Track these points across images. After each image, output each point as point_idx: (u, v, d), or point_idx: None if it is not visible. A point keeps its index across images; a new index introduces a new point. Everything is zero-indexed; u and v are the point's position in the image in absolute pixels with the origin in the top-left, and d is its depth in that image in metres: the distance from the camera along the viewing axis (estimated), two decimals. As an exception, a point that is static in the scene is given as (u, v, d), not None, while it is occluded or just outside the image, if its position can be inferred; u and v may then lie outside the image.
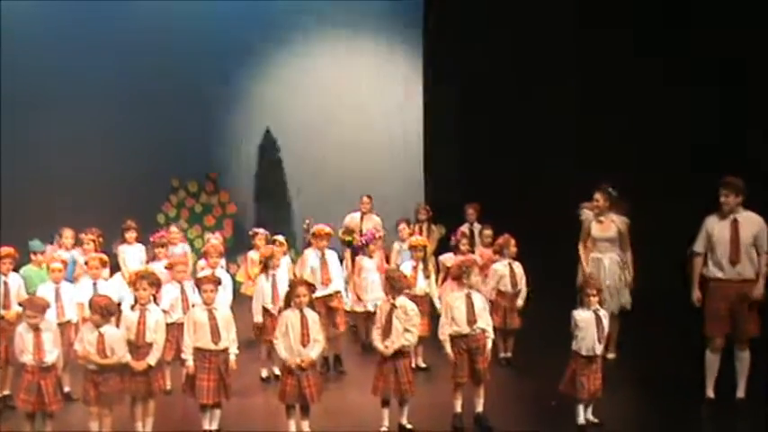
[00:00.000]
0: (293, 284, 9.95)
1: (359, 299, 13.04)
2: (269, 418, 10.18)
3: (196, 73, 18.59)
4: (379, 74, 19.29)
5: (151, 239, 13.47)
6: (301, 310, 9.68)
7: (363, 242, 13.49)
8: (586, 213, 12.33)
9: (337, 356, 12.52)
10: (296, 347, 9.58)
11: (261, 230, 14.00)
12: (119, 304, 10.24)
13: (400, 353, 9.77)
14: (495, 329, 10.41)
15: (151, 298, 9.85)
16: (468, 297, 10.03)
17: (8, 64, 17.86)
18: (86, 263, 11.96)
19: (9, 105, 17.91)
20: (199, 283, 10.10)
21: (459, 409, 10.09)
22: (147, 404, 9.79)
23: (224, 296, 11.29)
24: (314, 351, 9.64)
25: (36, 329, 9.25)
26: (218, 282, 10.02)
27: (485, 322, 10.04)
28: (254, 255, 13.62)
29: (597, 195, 12.22)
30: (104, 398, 9.30)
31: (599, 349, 9.72)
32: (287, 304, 9.85)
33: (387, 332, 9.75)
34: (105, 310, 9.35)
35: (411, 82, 19.42)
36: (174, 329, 10.67)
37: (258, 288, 11.96)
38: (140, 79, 18.44)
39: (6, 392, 11.06)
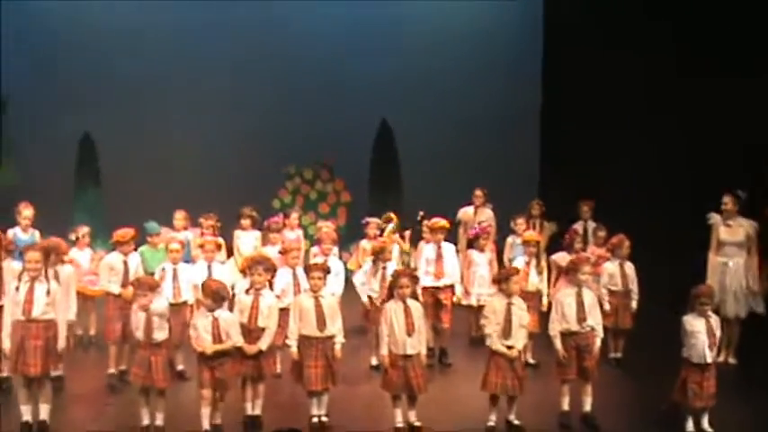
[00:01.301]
0: (396, 275, 10.01)
1: (467, 292, 13.00)
2: (376, 406, 10.23)
3: (315, 61, 18.73)
4: (497, 70, 19.13)
5: (266, 224, 13.64)
6: (404, 301, 9.73)
7: (472, 236, 13.47)
8: (715, 218, 12.16)
9: (443, 349, 12.54)
10: (401, 338, 9.63)
11: (373, 220, 14.04)
12: (232, 288, 10.42)
13: (512, 349, 9.74)
14: (605, 329, 10.31)
15: (267, 283, 9.98)
16: (579, 294, 9.96)
17: (138, 49, 18.31)
18: (202, 246, 12.19)
19: (133, 92, 18.35)
20: (308, 269, 10.22)
21: (566, 407, 10.03)
22: (257, 387, 9.95)
23: (335, 284, 11.41)
24: (423, 345, 9.71)
25: (146, 308, 9.44)
26: (326, 270, 10.10)
27: (595, 320, 9.96)
28: (365, 244, 13.70)
29: (726, 199, 12.04)
30: (219, 382, 9.44)
31: (710, 357, 9.53)
32: (390, 295, 9.91)
33: (506, 331, 9.72)
34: (217, 295, 9.46)
35: (528, 77, 19.24)
36: (286, 314, 10.78)
37: (365, 277, 12.03)
38: (260, 66, 18.67)
39: (123, 368, 11.38)
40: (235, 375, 9.74)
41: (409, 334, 9.60)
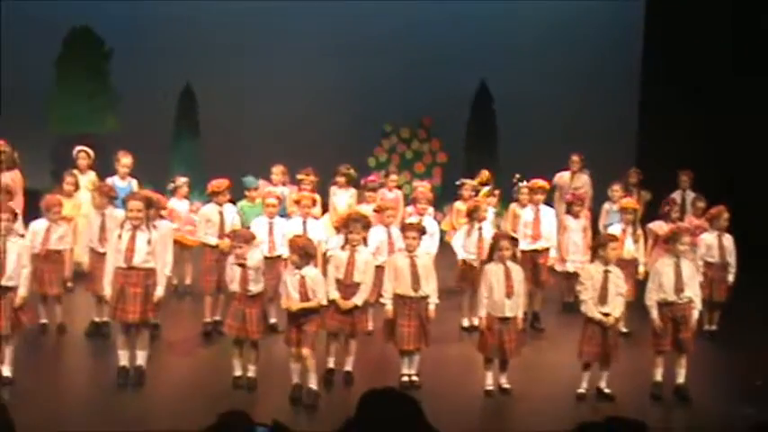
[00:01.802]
0: (497, 238, 9.97)
1: (561, 259, 12.89)
2: (466, 368, 10.26)
3: (416, 21, 18.67)
4: (596, 35, 18.86)
5: (363, 182, 13.67)
6: (505, 264, 9.69)
7: (567, 202, 13.34)
8: None
9: (535, 314, 12.46)
10: (499, 300, 9.61)
11: (468, 181, 13.97)
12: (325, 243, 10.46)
13: (608, 316, 9.66)
14: (701, 301, 10.15)
15: (362, 240, 10.01)
16: (678, 265, 9.81)
17: (224, 10, 18.40)
18: (298, 201, 12.25)
19: (233, 45, 18.48)
20: (403, 229, 10.22)
21: (659, 377, 9.91)
22: (349, 343, 10.01)
23: (430, 244, 11.40)
24: (519, 307, 9.68)
25: (242, 260, 9.52)
26: (422, 230, 10.09)
27: (693, 292, 9.80)
28: (460, 205, 13.65)
29: None
30: (306, 338, 9.44)
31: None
32: (490, 258, 9.86)
33: (603, 298, 9.64)
34: (303, 251, 9.44)
35: (628, 42, 18.94)
36: (379, 272, 10.77)
37: (462, 238, 12.02)
38: (362, 23, 18.67)
39: (217, 318, 11.54)
40: (323, 330, 9.77)
41: (508, 296, 9.58)
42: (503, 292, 9.58)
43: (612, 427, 3.84)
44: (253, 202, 12.51)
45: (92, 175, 13.40)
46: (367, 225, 10.06)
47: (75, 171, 13.23)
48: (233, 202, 12.10)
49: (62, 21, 17.90)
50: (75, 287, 12.28)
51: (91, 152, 13.52)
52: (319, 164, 14.18)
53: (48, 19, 17.77)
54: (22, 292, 9.45)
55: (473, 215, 11.96)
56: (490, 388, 9.79)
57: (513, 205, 13.22)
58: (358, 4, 18.60)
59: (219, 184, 11.82)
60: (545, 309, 12.69)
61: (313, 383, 9.35)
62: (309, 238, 10.15)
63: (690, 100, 16.94)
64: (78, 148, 13.54)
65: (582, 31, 18.89)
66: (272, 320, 11.22)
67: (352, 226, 9.90)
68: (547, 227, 12.44)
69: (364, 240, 10.02)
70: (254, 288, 9.56)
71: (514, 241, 10.03)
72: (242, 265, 9.50)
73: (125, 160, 12.95)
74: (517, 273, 9.73)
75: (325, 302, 9.56)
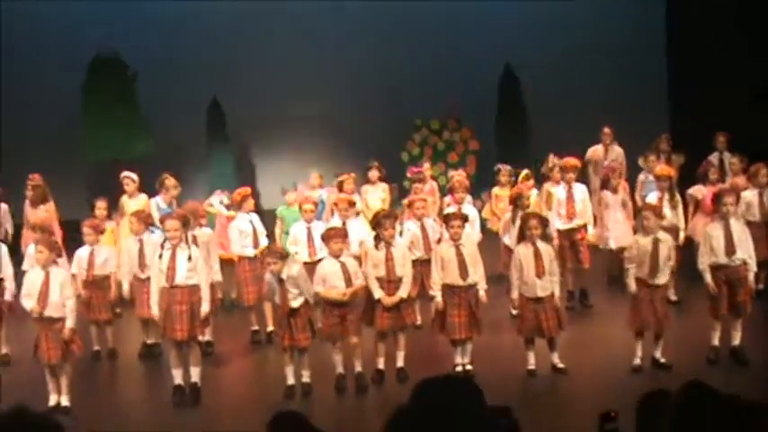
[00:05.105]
0: (525, 218, 9.96)
1: (603, 236, 12.73)
2: (519, 353, 10.16)
3: (432, 10, 18.60)
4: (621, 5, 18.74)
5: (408, 174, 13.63)
6: (534, 243, 9.66)
7: (603, 176, 13.24)
8: None
9: (583, 290, 12.37)
10: (530, 281, 9.60)
11: (505, 166, 13.90)
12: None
13: (660, 287, 9.59)
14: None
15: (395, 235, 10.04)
16: (727, 227, 9.71)
17: (240, 13, 18.42)
18: (336, 204, 12.26)
19: (251, 56, 18.48)
20: (446, 219, 10.22)
21: (716, 342, 9.84)
22: (398, 338, 10.01)
23: (471, 232, 11.36)
24: (556, 286, 9.66)
25: (278, 275, 9.55)
26: (464, 218, 10.09)
27: (746, 253, 9.69)
28: (498, 191, 13.60)
29: None
30: (352, 326, 9.66)
31: None
32: (520, 238, 9.84)
33: (653, 269, 9.56)
34: (343, 236, 9.82)
35: (653, 8, 18.80)
36: (417, 266, 10.71)
37: (505, 224, 11.98)
38: (381, 18, 18.63)
39: (254, 327, 11.68)
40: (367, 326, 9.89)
41: (539, 276, 9.58)
42: (533, 273, 9.56)
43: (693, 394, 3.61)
44: (291, 206, 12.59)
45: (143, 199, 13.32)
46: (396, 219, 10.15)
47: (124, 198, 13.25)
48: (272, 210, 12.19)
49: (83, 47, 17.91)
50: (122, 311, 12.32)
51: (135, 177, 13.46)
52: (353, 164, 14.20)
53: (70, 44, 17.81)
54: (70, 323, 9.47)
55: (517, 203, 11.89)
56: (532, 368, 9.82)
57: (547, 185, 13.15)
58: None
59: (243, 191, 11.97)
60: (592, 286, 12.57)
61: (360, 368, 9.64)
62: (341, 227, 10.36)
63: (721, 59, 16.68)
64: (123, 174, 13.52)
65: (605, 3, 18.75)
66: (319, 324, 11.16)
67: (384, 222, 9.92)
68: (580, 204, 12.33)
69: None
70: (295, 303, 9.55)
71: (544, 221, 10.01)
72: (280, 279, 9.53)
73: (174, 191, 12.82)
74: (547, 252, 9.70)
75: (364, 285, 9.74)
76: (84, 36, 17.76)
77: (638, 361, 9.73)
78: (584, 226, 12.36)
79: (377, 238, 10.01)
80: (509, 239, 11.70)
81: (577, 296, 12.31)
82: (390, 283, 9.82)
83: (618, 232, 12.47)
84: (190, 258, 9.61)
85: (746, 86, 16.15)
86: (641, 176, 13.73)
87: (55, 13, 17.90)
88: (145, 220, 11.42)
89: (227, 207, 13.47)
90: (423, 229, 11.29)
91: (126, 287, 11.20)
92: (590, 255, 12.34)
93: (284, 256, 9.78)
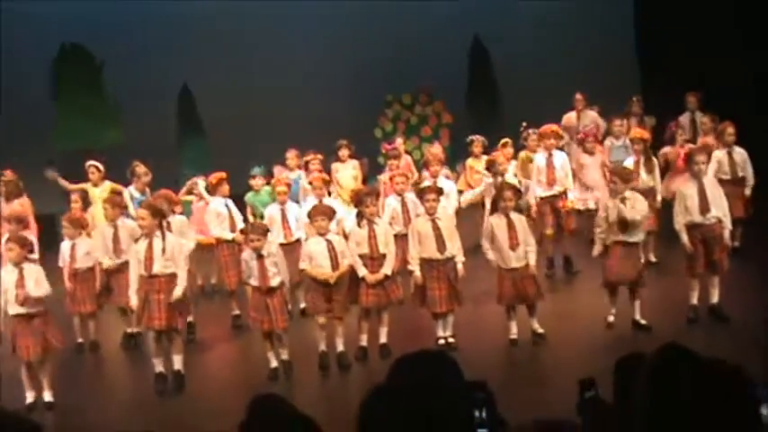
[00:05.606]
0: (500, 188, 9.96)
1: (581, 197, 12.75)
2: (500, 324, 10.15)
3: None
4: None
5: (383, 151, 13.56)
6: (507, 215, 9.66)
7: (579, 140, 13.26)
8: None
9: (567, 257, 12.37)
10: (505, 252, 9.59)
11: (478, 137, 13.90)
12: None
13: (634, 245, 9.61)
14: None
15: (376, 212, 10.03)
16: (700, 186, 9.74)
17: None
18: (310, 183, 12.23)
19: (219, 40, 18.34)
20: (421, 193, 10.19)
21: (695, 300, 9.88)
22: (382, 315, 10.01)
23: (447, 204, 11.35)
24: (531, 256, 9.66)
25: (259, 255, 9.51)
26: (439, 191, 10.08)
27: (720, 211, 9.72)
28: (472, 162, 13.59)
29: None
30: (338, 305, 9.64)
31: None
32: (493, 209, 9.84)
33: (623, 227, 9.61)
34: (327, 214, 9.72)
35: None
36: (398, 240, 10.66)
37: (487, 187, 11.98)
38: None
39: (235, 312, 11.59)
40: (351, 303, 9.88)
41: (513, 248, 9.59)
42: (506, 245, 9.58)
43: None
44: (257, 191, 12.57)
45: (106, 186, 13.23)
46: (378, 196, 10.09)
47: (86, 185, 13.14)
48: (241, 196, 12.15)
49: (50, 35, 17.73)
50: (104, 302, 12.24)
51: (100, 166, 13.36)
52: (327, 143, 14.13)
53: (37, 37, 17.64)
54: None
55: (492, 169, 11.87)
56: (514, 337, 9.86)
57: (523, 153, 13.11)
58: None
59: (218, 175, 11.98)
60: (576, 251, 12.53)
61: (341, 347, 9.67)
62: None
63: (688, 20, 16.63)
64: (89, 163, 13.42)
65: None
66: (302, 305, 11.11)
67: (366, 200, 9.91)
68: (560, 171, 12.31)
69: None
70: (274, 281, 9.53)
71: (518, 192, 10.03)
72: (260, 257, 9.47)
73: (146, 179, 12.71)
74: (520, 222, 9.72)
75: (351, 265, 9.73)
76: (51, 28, 17.61)
77: (611, 318, 9.84)
78: (565, 192, 12.35)
79: (359, 216, 10.00)
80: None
81: (561, 263, 12.31)
82: (374, 260, 9.82)
83: (597, 192, 12.50)
84: (164, 250, 9.52)
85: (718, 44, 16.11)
86: (607, 142, 13.53)
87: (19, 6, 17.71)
88: (119, 205, 11.39)
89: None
90: (403, 204, 11.28)
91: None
92: (573, 221, 12.35)
93: (266, 231, 9.76)
